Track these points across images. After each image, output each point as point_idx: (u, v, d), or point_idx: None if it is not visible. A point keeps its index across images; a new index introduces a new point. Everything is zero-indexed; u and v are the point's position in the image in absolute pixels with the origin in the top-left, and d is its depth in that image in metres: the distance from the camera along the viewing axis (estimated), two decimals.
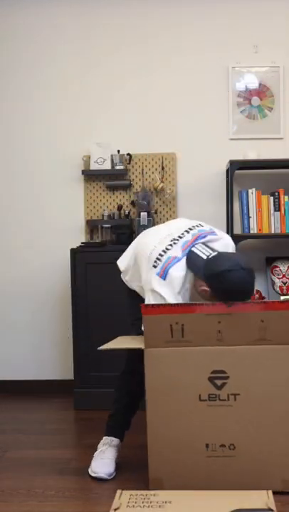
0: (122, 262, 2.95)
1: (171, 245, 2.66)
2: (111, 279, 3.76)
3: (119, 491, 2.38)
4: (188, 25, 4.14)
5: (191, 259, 2.59)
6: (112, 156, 4.11)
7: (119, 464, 2.83)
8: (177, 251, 2.62)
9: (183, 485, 2.46)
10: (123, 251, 3.73)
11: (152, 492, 2.39)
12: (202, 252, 2.59)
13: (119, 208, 4.08)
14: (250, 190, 3.91)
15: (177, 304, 2.49)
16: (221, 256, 2.56)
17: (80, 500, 2.56)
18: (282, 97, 4.13)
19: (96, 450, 2.88)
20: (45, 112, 4.22)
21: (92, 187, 4.18)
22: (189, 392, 2.49)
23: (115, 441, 2.88)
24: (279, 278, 4.02)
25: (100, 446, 2.89)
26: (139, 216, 3.95)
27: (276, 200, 3.89)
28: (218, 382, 2.49)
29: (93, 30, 4.18)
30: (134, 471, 2.78)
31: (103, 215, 4.08)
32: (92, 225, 4.14)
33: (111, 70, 4.19)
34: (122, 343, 2.72)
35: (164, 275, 2.57)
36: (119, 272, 2.98)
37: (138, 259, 2.79)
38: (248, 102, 4.14)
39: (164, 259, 2.61)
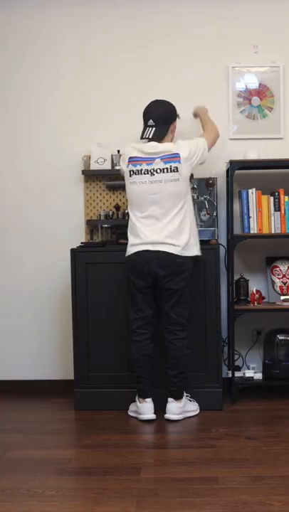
0: None
1: None
2: (111, 279, 3.78)
3: None
4: (188, 26, 4.14)
5: None
6: (112, 156, 4.10)
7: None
8: None
9: None
10: (123, 251, 3.74)
11: None
12: None
13: (117, 207, 4.08)
14: (250, 190, 3.91)
15: None
16: None
17: (80, 500, 2.56)
18: (282, 97, 4.12)
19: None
20: (46, 112, 4.21)
21: (92, 187, 4.18)
22: None
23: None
24: (279, 278, 4.02)
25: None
26: None
27: (276, 200, 3.89)
28: None
29: (94, 31, 4.18)
30: (131, 471, 2.78)
31: (100, 215, 4.08)
32: (92, 225, 4.14)
33: (111, 71, 4.19)
34: None
35: None
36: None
37: None
38: (248, 102, 4.14)
39: None
